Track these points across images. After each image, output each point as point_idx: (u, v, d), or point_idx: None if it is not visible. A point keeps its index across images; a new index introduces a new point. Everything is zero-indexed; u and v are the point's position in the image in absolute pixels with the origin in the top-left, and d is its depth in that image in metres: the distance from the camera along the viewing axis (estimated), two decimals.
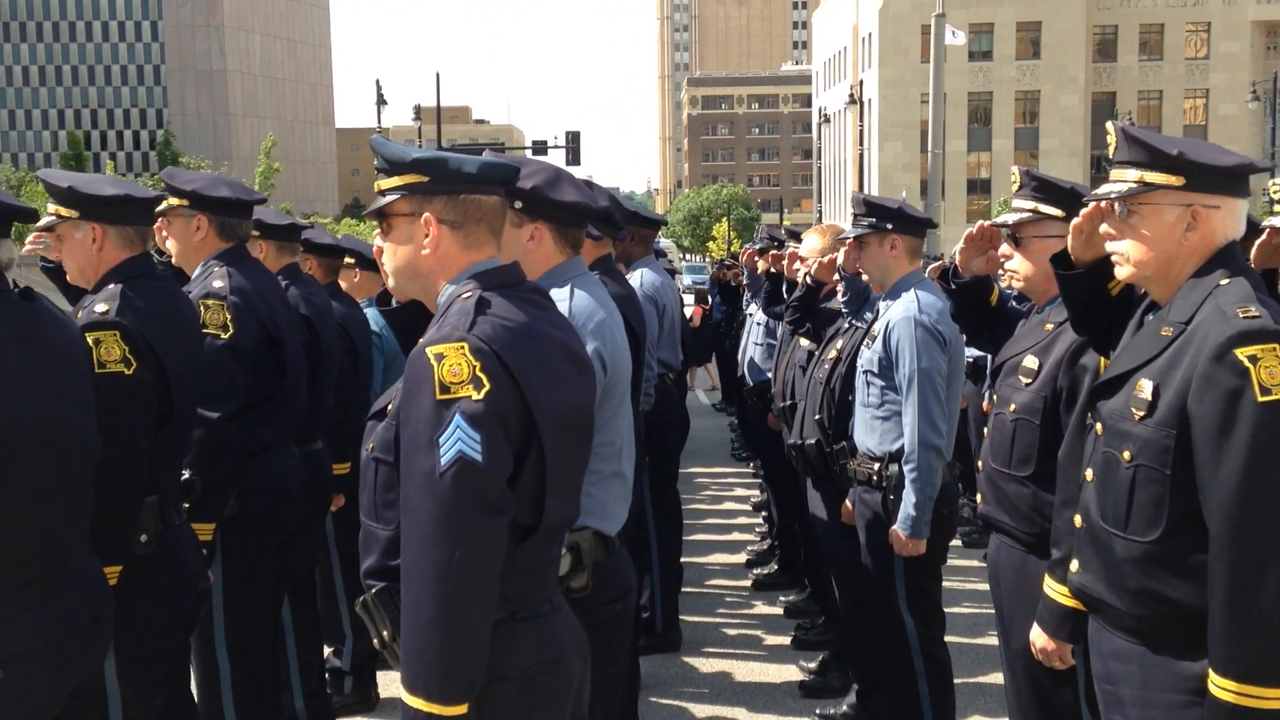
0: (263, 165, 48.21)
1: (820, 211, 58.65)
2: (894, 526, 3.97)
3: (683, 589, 7.11)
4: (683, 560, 7.63)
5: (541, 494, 2.23)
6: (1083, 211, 2.60)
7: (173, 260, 3.83)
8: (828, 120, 62.31)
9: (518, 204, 2.82)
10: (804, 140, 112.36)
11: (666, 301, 5.87)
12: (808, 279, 4.94)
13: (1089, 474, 2.48)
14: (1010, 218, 3.22)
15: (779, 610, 6.63)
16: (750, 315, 7.71)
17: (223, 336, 3.51)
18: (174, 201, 3.67)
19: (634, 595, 2.96)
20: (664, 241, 13.96)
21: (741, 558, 7.87)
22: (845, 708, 4.90)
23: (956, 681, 4.39)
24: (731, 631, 6.39)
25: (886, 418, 4.03)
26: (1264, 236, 3.87)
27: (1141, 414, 2.33)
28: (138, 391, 2.92)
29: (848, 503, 4.37)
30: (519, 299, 2.34)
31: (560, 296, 2.82)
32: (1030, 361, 3.06)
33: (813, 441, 4.56)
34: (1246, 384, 2.18)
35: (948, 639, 4.29)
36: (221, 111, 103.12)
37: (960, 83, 61.65)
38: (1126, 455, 2.35)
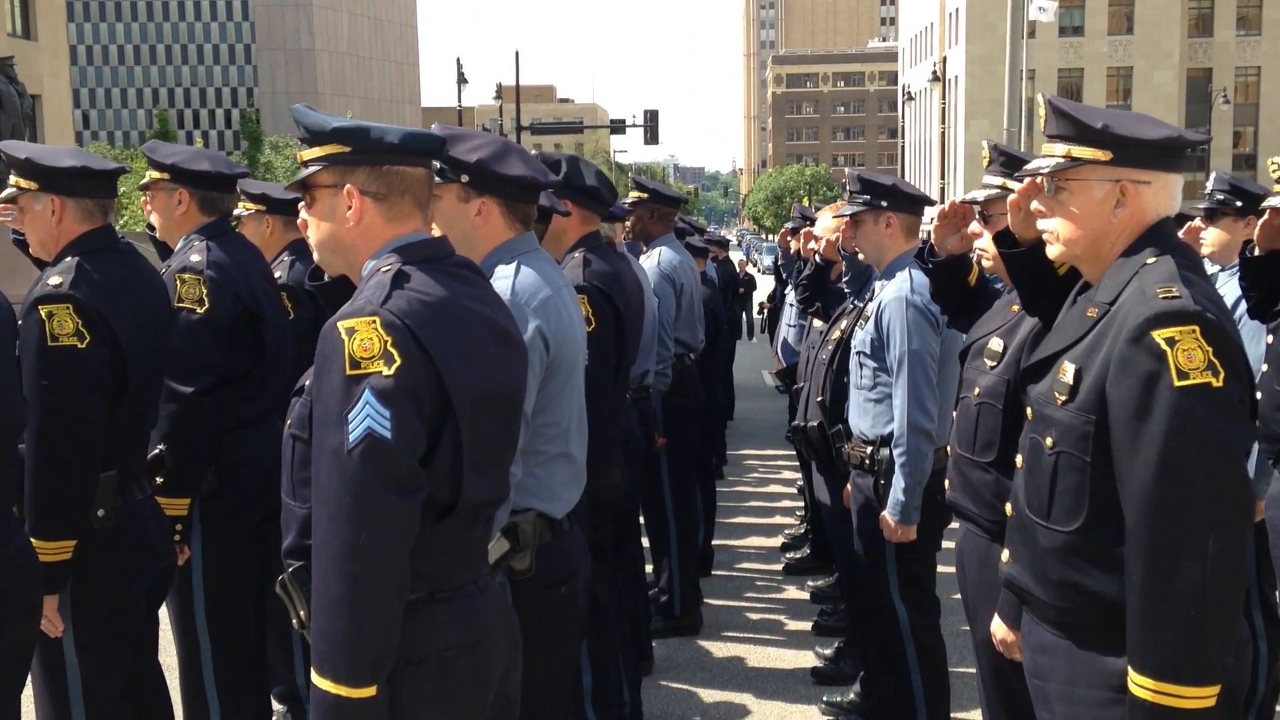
0: None
1: None
2: (884, 512, 3.87)
3: (713, 572, 7.07)
4: (718, 543, 7.60)
5: (459, 472, 2.17)
6: (1018, 188, 2.48)
7: (156, 234, 3.84)
8: (911, 98, 61.36)
9: (464, 178, 2.76)
10: (890, 119, 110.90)
11: (684, 280, 5.79)
12: (816, 257, 4.82)
13: (1019, 460, 2.38)
14: (980, 194, 3.10)
15: (806, 595, 6.54)
16: (785, 296, 7.60)
17: (198, 311, 3.50)
18: (156, 175, 3.67)
19: (583, 579, 2.89)
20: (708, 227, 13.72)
21: (778, 541, 7.77)
22: (852, 695, 4.80)
23: (955, 670, 4.29)
24: (755, 616, 6.31)
25: (879, 400, 3.92)
26: (1265, 218, 3.72)
27: (1063, 398, 2.22)
28: (91, 365, 2.92)
29: (848, 487, 4.27)
30: (444, 273, 2.28)
31: (505, 273, 2.76)
32: (995, 344, 2.95)
33: (815, 424, 4.47)
34: (1163, 368, 2.06)
35: (947, 625, 4.18)
36: (310, 90, 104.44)
37: (1050, 59, 60.32)
38: (1049, 442, 2.25)
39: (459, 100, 45.22)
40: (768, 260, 40.27)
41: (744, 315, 19.91)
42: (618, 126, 44.98)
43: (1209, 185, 4.42)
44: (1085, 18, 60.85)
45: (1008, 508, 2.43)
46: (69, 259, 3.00)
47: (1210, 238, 4.40)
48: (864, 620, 4.36)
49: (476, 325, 2.25)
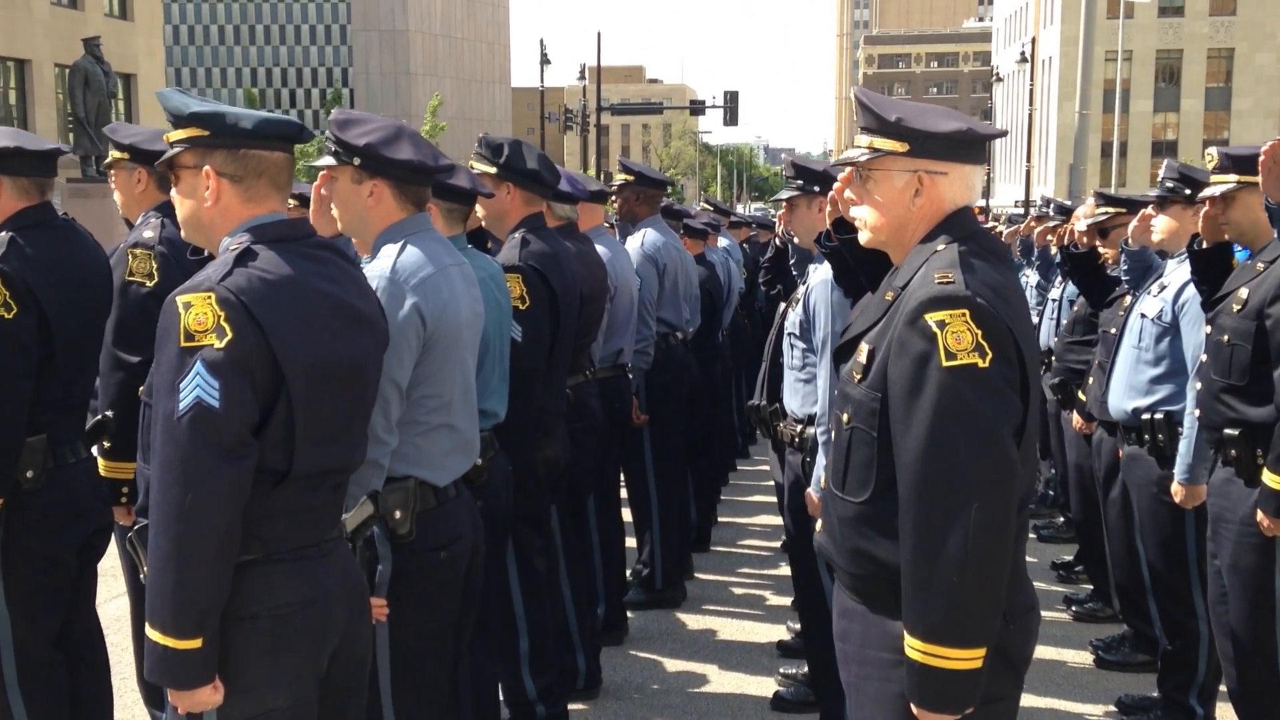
0: (428, 124, 49.39)
1: (990, 176, 56.97)
2: (808, 489, 3.97)
3: (713, 547, 7.21)
4: (726, 520, 7.74)
5: (292, 442, 2.34)
6: (839, 178, 2.58)
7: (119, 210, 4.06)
8: (1000, 80, 60.30)
9: (356, 161, 2.93)
10: (983, 100, 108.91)
11: (668, 261, 5.92)
12: (776, 241, 4.92)
13: (833, 436, 2.49)
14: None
15: None
16: None
17: (147, 284, 3.72)
18: (117, 155, 3.90)
19: (466, 544, 3.05)
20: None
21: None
22: (807, 668, 4.91)
23: None
24: (740, 591, 6.43)
25: (807, 380, 4.02)
26: (1205, 209, 3.74)
27: (859, 377, 2.34)
28: (17, 335, 3.13)
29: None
30: (296, 253, 2.45)
31: (389, 253, 2.92)
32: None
33: (763, 403, 4.57)
34: (934, 348, 2.18)
35: None
36: (403, 70, 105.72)
37: (1149, 40, 58.93)
38: (845, 417, 2.37)
39: (541, 80, 45.55)
40: None
41: None
42: (697, 108, 45.02)
43: (1161, 172, 4.44)
44: None
45: (823, 480, 2.55)
46: (3, 234, 3.22)
47: (1160, 225, 4.42)
48: (804, 595, 4.46)
49: (320, 302, 2.41)
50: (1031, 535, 7.65)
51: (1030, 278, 8.02)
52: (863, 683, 2.38)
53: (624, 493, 6.06)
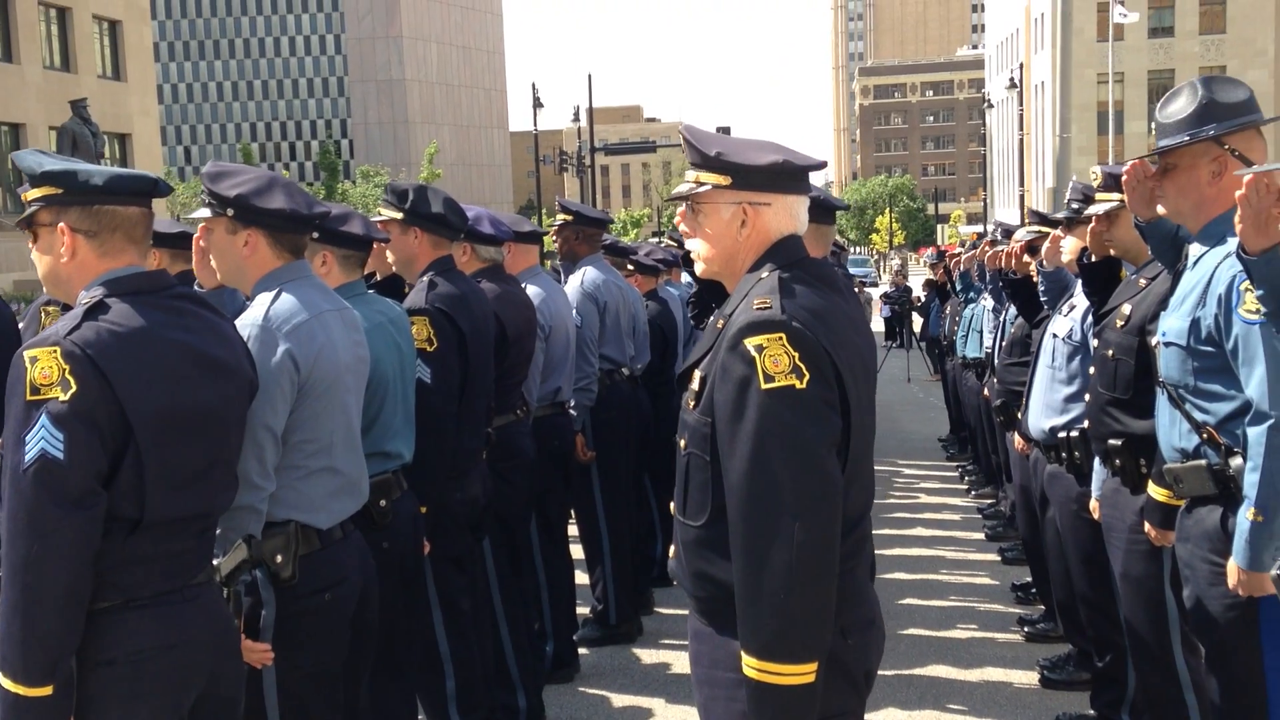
0: (425, 171, 49.67)
1: (986, 200, 57.15)
2: None
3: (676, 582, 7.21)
4: None
5: (143, 489, 2.38)
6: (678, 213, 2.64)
7: None
8: (991, 106, 60.65)
9: (230, 212, 2.99)
10: (979, 127, 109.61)
11: (608, 298, 5.98)
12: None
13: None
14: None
15: None
16: None
17: None
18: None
19: (353, 585, 3.07)
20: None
21: None
22: None
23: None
24: None
25: None
26: (1091, 225, 3.80)
27: (693, 404, 2.39)
28: None
29: None
30: (152, 305, 2.50)
31: (263, 301, 2.97)
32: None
33: None
34: (753, 372, 2.23)
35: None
36: (401, 119, 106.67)
37: (1140, 61, 59.17)
38: (683, 444, 2.42)
39: (535, 124, 45.90)
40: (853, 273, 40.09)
41: None
42: None
43: (1068, 194, 4.49)
44: (1175, 18, 59.60)
45: (672, 506, 2.59)
46: None
47: (1069, 246, 4.47)
48: None
49: (172, 351, 2.46)
50: (995, 557, 7.68)
51: (987, 302, 8.08)
52: (712, 704, 2.41)
53: (575, 529, 6.10)
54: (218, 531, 2.71)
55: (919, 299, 21.35)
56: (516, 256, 5.34)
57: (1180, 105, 2.98)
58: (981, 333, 8.39)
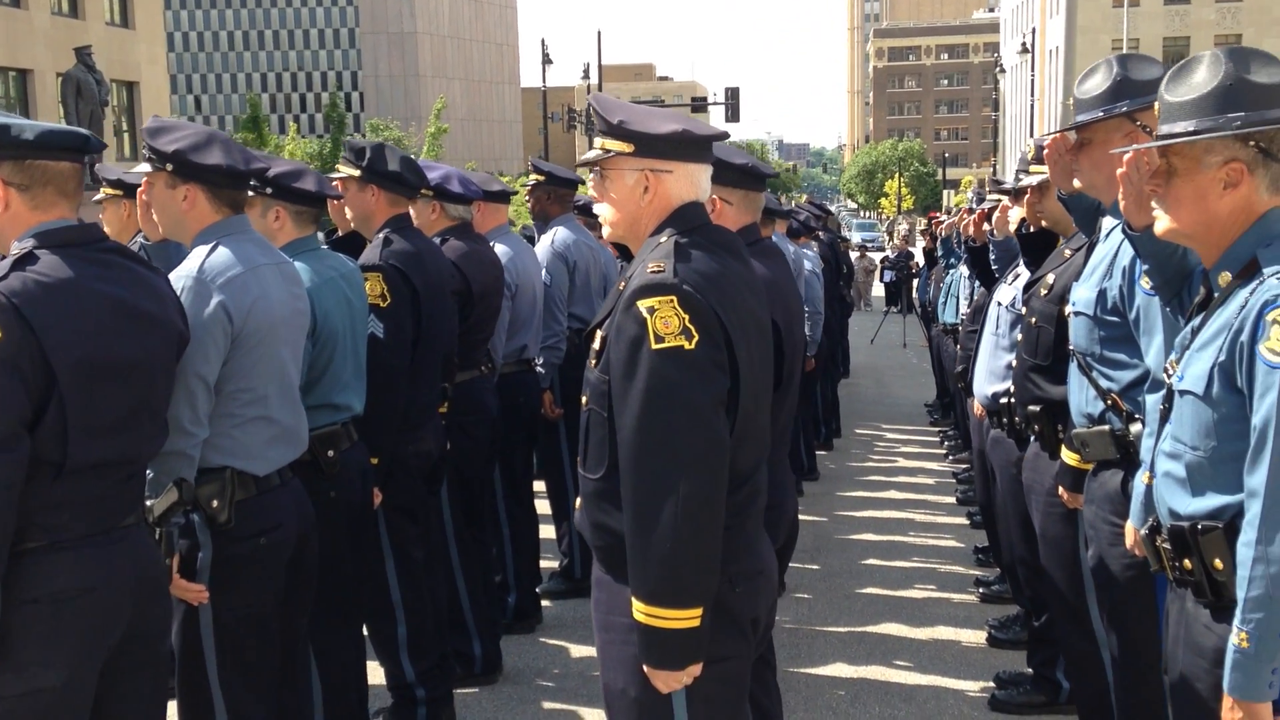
0: (433, 125, 49.55)
1: (995, 166, 56.87)
2: None
3: None
4: None
5: (65, 434, 2.47)
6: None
7: None
8: (1004, 71, 60.23)
9: (169, 167, 3.09)
10: (993, 92, 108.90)
11: (579, 258, 6.06)
12: None
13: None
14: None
15: None
16: None
17: None
18: (109, 191, 4.14)
19: (289, 530, 3.19)
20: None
21: None
22: None
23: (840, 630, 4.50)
24: None
25: None
26: (1026, 197, 3.88)
27: (594, 362, 2.50)
28: None
29: None
30: (81, 257, 2.59)
31: (199, 254, 3.07)
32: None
33: None
34: (645, 333, 2.33)
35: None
36: (412, 73, 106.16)
37: (1155, 28, 58.72)
38: (584, 400, 2.53)
39: (543, 80, 45.76)
40: (857, 238, 40.21)
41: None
42: (699, 105, 45.14)
43: (1015, 164, 4.57)
44: None
45: None
46: None
47: (1015, 216, 4.55)
48: None
49: (99, 303, 2.55)
50: (964, 521, 7.79)
51: (965, 268, 8.16)
52: (609, 647, 2.53)
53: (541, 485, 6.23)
54: (150, 475, 2.83)
55: (918, 265, 21.37)
56: (485, 215, 5.43)
57: (1096, 81, 3.06)
58: (958, 298, 8.48)
